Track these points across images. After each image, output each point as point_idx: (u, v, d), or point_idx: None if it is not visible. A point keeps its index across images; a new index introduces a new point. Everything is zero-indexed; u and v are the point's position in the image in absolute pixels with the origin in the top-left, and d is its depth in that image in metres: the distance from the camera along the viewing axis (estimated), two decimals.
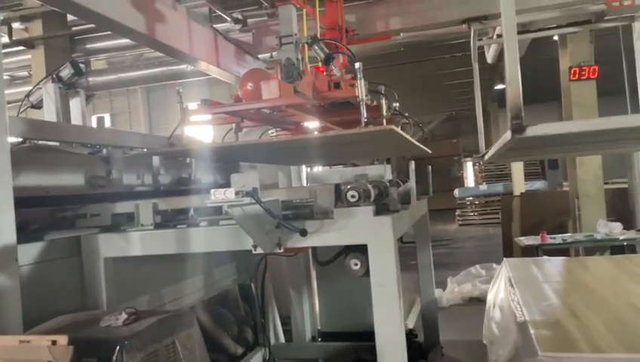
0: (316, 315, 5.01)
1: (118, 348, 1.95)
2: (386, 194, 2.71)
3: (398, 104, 3.80)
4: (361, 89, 2.43)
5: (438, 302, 6.87)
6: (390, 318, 2.32)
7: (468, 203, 18.63)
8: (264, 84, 2.59)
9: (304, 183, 5.47)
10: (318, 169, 5.68)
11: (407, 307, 6.55)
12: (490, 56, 8.45)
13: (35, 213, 2.81)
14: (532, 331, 2.37)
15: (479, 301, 6.50)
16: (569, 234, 6.75)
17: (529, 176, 17.94)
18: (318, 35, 3.73)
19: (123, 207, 2.72)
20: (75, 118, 4.00)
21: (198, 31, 3.65)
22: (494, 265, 7.32)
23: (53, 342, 1.82)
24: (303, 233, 2.36)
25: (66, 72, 3.92)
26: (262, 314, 4.69)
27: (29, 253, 2.44)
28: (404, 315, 5.72)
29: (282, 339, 5.08)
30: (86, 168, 3.16)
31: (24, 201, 2.78)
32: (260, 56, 4.78)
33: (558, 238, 6.42)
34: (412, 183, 2.74)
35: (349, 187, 2.40)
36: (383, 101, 3.02)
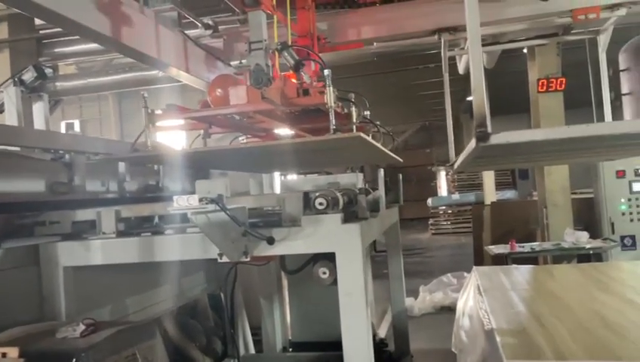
0: (287, 325, 4.94)
1: (74, 360, 1.88)
2: (356, 202, 2.70)
3: (369, 112, 3.81)
4: (329, 96, 2.41)
5: (410, 311, 6.89)
6: (357, 328, 2.29)
7: (441, 212, 18.84)
8: (232, 90, 2.56)
9: (277, 191, 5.43)
10: (292, 177, 5.65)
11: (379, 316, 6.54)
12: (461, 67, 8.58)
13: None
14: (498, 339, 2.37)
15: (450, 309, 6.53)
16: (537, 243, 6.86)
17: (500, 185, 18.26)
18: (289, 42, 3.72)
19: (84, 215, 2.64)
20: (38, 123, 3.89)
21: (166, 35, 3.59)
22: (465, 274, 7.38)
23: (3, 355, 1.74)
24: (270, 241, 2.32)
25: (28, 75, 3.82)
26: (231, 324, 4.61)
27: None
28: (376, 324, 5.70)
29: (252, 350, 4.99)
30: (47, 174, 3.06)
31: None
32: (232, 63, 4.74)
33: (527, 247, 6.52)
34: (381, 191, 2.73)
35: (317, 194, 2.37)
36: (353, 109, 3.01)
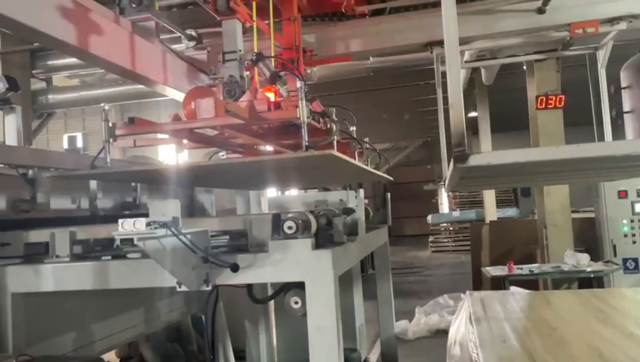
0: (274, 348, 4.72)
1: None
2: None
3: (354, 128, 3.63)
4: (302, 110, 2.22)
5: (404, 334, 6.64)
6: None
7: (443, 229, 18.55)
8: (199, 103, 2.37)
9: (265, 209, 5.23)
10: (288, 193, 5.43)
11: (372, 340, 6.28)
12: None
13: None
14: None
15: (445, 333, 6.27)
16: (536, 265, 6.61)
17: (502, 203, 17.98)
18: (272, 53, 3.55)
19: (37, 236, 2.43)
20: (10, 136, 3.71)
21: (142, 46, 3.42)
22: (462, 295, 7.13)
23: None
24: (234, 268, 2.11)
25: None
26: (212, 347, 4.39)
27: None
28: (367, 349, 5.45)
29: None
30: (8, 191, 2.87)
31: None
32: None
33: (525, 269, 6.28)
34: (360, 213, 2.52)
35: (286, 217, 2.16)
36: (333, 125, 2.82)
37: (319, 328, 2.07)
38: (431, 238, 17.68)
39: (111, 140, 2.46)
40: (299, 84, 2.21)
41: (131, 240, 2.35)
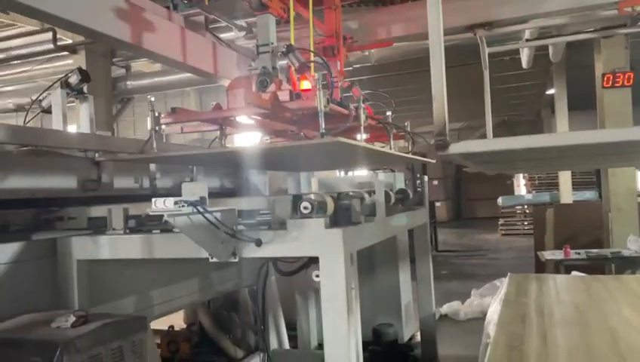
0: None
1: (59, 349, 2.03)
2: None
3: (390, 113, 3.74)
4: (319, 100, 2.40)
5: (455, 315, 6.69)
6: (338, 333, 2.27)
7: (517, 211, 17.97)
8: (230, 94, 2.62)
9: (314, 189, 5.47)
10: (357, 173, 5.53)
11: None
12: (524, 61, 8.17)
13: (22, 214, 2.97)
14: (487, 354, 2.27)
15: None
16: (596, 250, 6.38)
17: (581, 184, 17.10)
18: (311, 42, 3.74)
19: (97, 211, 2.82)
20: (84, 123, 4.17)
21: (193, 39, 3.73)
22: None
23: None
24: (258, 243, 2.36)
25: (74, 78, 4.08)
26: (262, 319, 4.72)
27: (4, 253, 2.56)
28: (415, 327, 5.58)
29: (286, 345, 5.07)
30: (77, 172, 3.30)
31: (13, 203, 2.95)
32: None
33: (583, 253, 6.09)
34: (379, 195, 2.68)
35: (303, 198, 2.38)
36: (362, 111, 2.97)
37: (330, 297, 2.28)
38: (501, 221, 17.21)
39: (157, 128, 2.76)
40: (315, 75, 2.39)
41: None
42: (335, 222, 2.46)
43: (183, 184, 2.29)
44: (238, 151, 2.66)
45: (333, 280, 2.27)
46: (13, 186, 2.91)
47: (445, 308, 6.90)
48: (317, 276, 2.67)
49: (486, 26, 3.92)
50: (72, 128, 4.12)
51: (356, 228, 2.45)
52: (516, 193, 21.65)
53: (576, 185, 15.91)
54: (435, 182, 22.35)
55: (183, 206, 2.08)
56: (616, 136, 1.64)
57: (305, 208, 2.34)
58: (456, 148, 1.71)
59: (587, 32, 4.76)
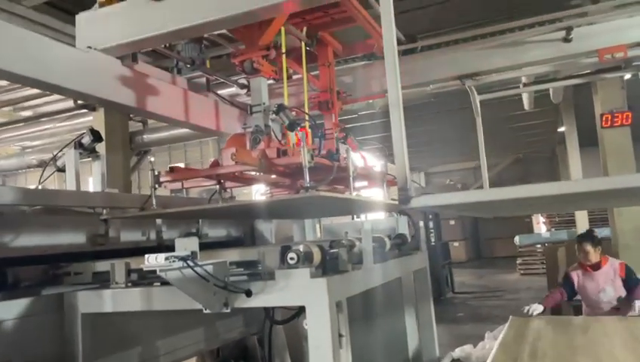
0: None
1: None
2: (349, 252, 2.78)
3: (384, 162, 3.90)
4: (304, 156, 2.57)
5: (467, 359, 6.62)
6: None
7: (538, 250, 17.68)
8: (224, 152, 2.81)
9: (318, 235, 5.60)
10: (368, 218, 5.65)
11: None
12: (526, 103, 8.32)
13: (33, 270, 3.16)
14: None
15: None
16: None
17: (599, 221, 16.83)
18: (306, 99, 3.96)
19: (102, 266, 2.98)
20: (96, 181, 4.40)
21: (195, 100, 3.97)
22: None
23: None
24: (248, 294, 2.49)
25: (86, 138, 4.34)
26: None
27: (15, 308, 2.73)
28: None
29: None
30: (86, 227, 3.50)
31: (25, 260, 3.15)
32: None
33: None
34: (365, 244, 2.80)
35: (290, 249, 2.51)
36: (350, 162, 3.13)
37: (317, 346, 2.38)
38: (519, 260, 16.94)
39: (156, 185, 2.95)
40: (299, 134, 2.56)
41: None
42: (323, 271, 2.58)
43: (176, 239, 2.45)
44: (231, 207, 2.82)
45: (320, 328, 2.38)
46: (26, 244, 3.11)
47: (458, 352, 6.83)
48: (306, 324, 2.78)
49: (474, 76, 4.11)
50: (89, 180, 4.38)
51: (342, 277, 2.57)
52: (535, 231, 21.36)
53: (595, 222, 15.69)
54: (452, 222, 22.21)
55: (174, 261, 2.23)
56: (568, 188, 1.75)
57: (291, 259, 2.47)
58: (418, 201, 1.84)
59: (577, 75, 4.92)
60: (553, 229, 19.06)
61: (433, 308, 4.45)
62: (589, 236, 5.24)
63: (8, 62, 2.80)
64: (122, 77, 3.28)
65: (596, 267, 5.10)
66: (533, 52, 4.01)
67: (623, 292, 5.01)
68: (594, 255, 5.08)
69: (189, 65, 3.84)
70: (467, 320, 9.69)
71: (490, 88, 6.42)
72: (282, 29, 3.65)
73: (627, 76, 4.77)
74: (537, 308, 5.02)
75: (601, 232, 14.66)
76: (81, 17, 3.25)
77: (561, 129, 16.00)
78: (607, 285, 5.02)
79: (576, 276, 5.29)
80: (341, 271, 2.65)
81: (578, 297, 5.73)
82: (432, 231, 12.83)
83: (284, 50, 3.52)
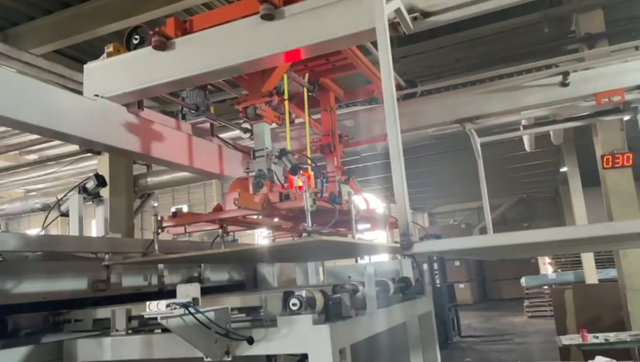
0: None
1: None
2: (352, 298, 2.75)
3: (386, 205, 3.90)
4: (306, 200, 2.59)
5: None
6: None
7: (546, 291, 17.38)
8: (227, 196, 2.83)
9: (321, 278, 5.55)
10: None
11: None
12: (527, 145, 8.39)
13: (33, 317, 3.13)
14: None
15: None
16: (614, 334, 6.18)
17: (606, 262, 16.62)
18: (308, 143, 4.01)
19: (102, 313, 2.95)
20: (99, 225, 4.41)
21: (199, 144, 4.03)
22: None
23: None
24: (250, 341, 2.46)
25: (90, 183, 4.37)
26: None
27: (15, 357, 2.69)
28: None
29: None
30: (88, 274, 3.48)
31: (26, 306, 3.12)
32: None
33: (601, 337, 5.91)
34: (369, 288, 2.77)
35: (293, 295, 2.49)
36: (352, 205, 3.14)
37: None
38: (526, 302, 16.64)
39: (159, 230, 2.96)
40: (302, 178, 2.59)
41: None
42: (326, 316, 2.55)
43: (177, 286, 2.43)
44: (233, 252, 2.82)
45: None
46: (27, 291, 3.09)
47: None
48: None
49: (473, 120, 4.17)
50: (92, 223, 4.38)
51: (345, 323, 2.53)
52: (542, 272, 21.07)
53: (601, 263, 15.49)
54: (457, 263, 21.94)
55: (175, 308, 2.21)
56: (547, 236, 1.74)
57: (294, 305, 2.44)
58: (421, 247, 1.84)
59: (577, 118, 4.98)
60: (559, 270, 18.80)
61: (439, 353, 4.36)
62: None
63: (14, 110, 2.84)
64: (128, 123, 3.33)
65: None
66: (531, 96, 4.08)
67: None
68: None
69: (193, 111, 3.91)
70: None
71: (490, 130, 6.50)
72: (285, 75, 3.75)
73: (626, 118, 4.82)
74: None
75: (608, 273, 14.55)
76: (89, 67, 3.35)
77: (564, 169, 16.05)
78: None
79: None
80: (344, 316, 2.62)
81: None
82: (437, 272, 12.70)
83: (286, 97, 3.60)
